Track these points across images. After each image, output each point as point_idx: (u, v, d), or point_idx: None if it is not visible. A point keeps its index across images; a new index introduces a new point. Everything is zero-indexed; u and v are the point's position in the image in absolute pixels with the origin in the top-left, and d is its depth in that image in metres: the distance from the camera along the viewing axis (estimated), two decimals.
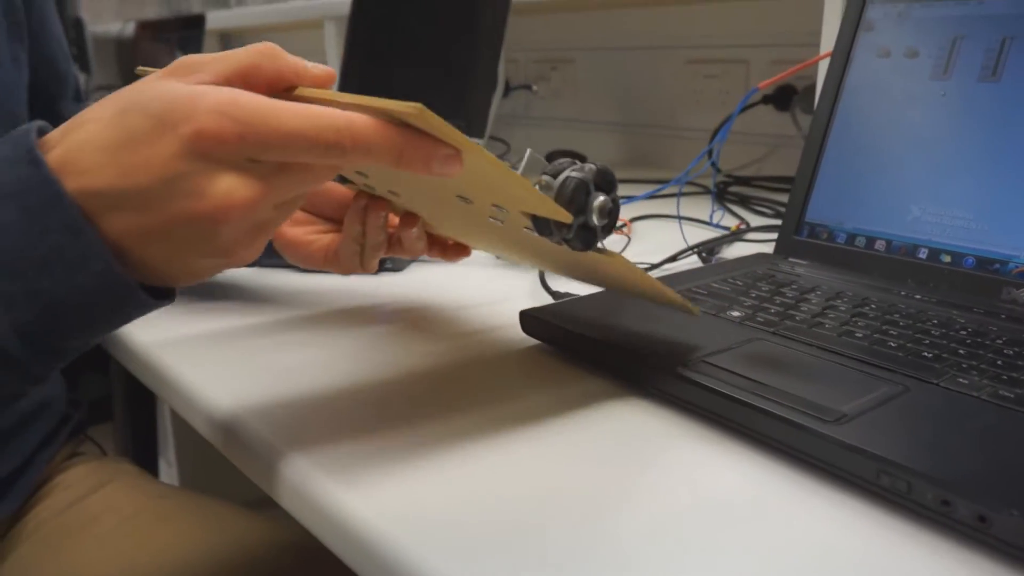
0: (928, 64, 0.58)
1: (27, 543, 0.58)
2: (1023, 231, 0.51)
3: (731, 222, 0.85)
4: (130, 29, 2.28)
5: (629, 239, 0.78)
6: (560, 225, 0.37)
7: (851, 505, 0.32)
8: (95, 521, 0.58)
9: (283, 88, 0.33)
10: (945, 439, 0.34)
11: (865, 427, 0.34)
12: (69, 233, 0.29)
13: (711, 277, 0.57)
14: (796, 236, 0.63)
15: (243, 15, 1.84)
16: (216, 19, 1.94)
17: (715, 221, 0.83)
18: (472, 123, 0.95)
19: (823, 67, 0.81)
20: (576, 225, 0.37)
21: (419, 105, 0.28)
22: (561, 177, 0.37)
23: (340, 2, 1.51)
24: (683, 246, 0.72)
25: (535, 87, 1.46)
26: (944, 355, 0.41)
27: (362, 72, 1.20)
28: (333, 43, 1.50)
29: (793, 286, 0.54)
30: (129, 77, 2.46)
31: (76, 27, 2.37)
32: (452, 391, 0.44)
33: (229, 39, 2.22)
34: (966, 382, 0.38)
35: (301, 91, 0.33)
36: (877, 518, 0.31)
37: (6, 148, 0.30)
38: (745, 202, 0.96)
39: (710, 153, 0.85)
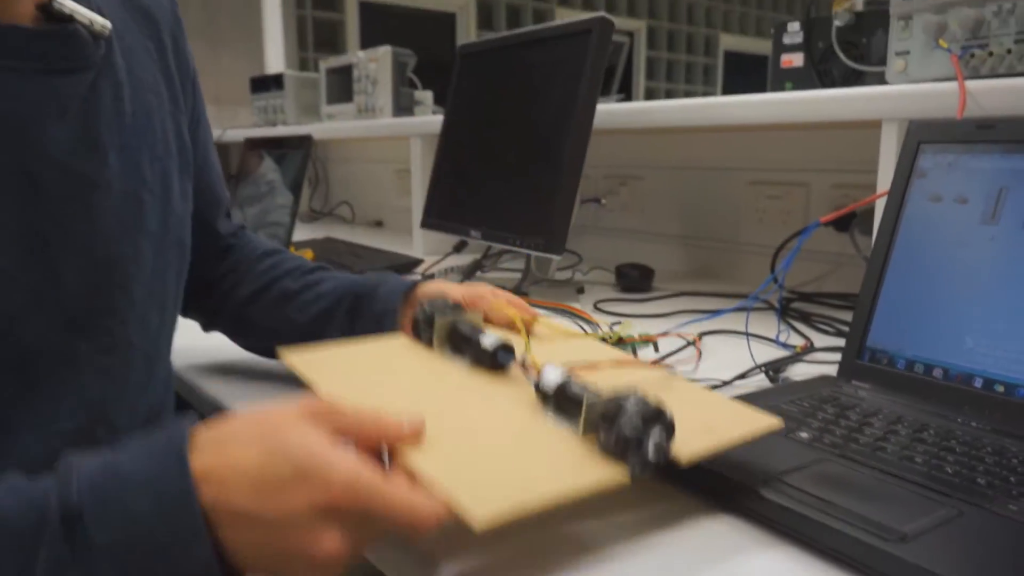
0: (977, 210, 0.65)
1: None
2: None
3: (795, 338, 0.90)
4: (227, 136, 2.49)
5: (700, 353, 0.84)
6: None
7: None
8: None
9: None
10: (993, 560, 0.39)
11: (923, 547, 0.39)
12: (190, 531, 0.38)
13: (780, 398, 0.62)
14: (858, 360, 0.69)
15: (334, 128, 2.01)
16: (307, 131, 2.11)
17: (781, 340, 0.89)
18: (551, 241, 1.03)
19: (881, 201, 0.88)
20: (637, 468, 0.42)
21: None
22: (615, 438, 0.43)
23: (427, 121, 1.65)
24: (749, 362, 0.78)
25: (604, 200, 1.55)
26: (996, 482, 0.46)
27: (450, 186, 1.32)
28: (418, 157, 1.63)
29: (856, 409, 0.60)
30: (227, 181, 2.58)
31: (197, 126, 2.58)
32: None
33: (317, 148, 2.40)
34: (1015, 508, 0.43)
35: (402, 459, 0.42)
36: None
37: (161, 441, 0.40)
38: (807, 319, 1.02)
39: (776, 279, 0.91)
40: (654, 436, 0.42)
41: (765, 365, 0.76)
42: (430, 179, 1.36)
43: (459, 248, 1.31)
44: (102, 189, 0.55)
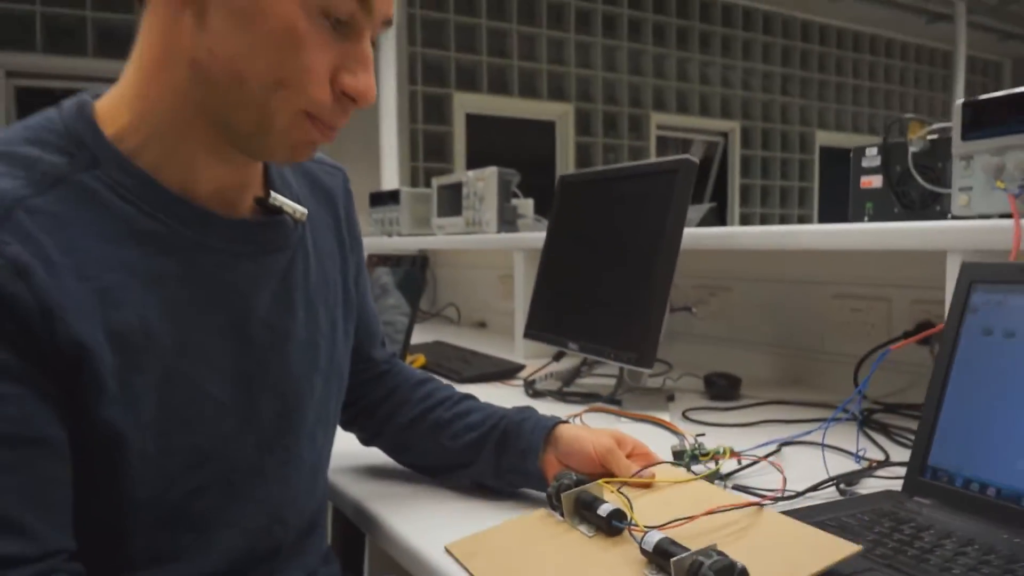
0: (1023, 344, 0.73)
1: None
2: None
3: (873, 451, 0.97)
4: None
5: (785, 479, 0.89)
6: None
7: None
8: None
9: None
10: None
11: None
12: None
13: (843, 511, 0.71)
14: (920, 477, 0.76)
15: (445, 241, 2.20)
16: (419, 242, 2.32)
17: (858, 453, 0.96)
18: (642, 356, 1.15)
19: None
20: None
21: None
22: None
23: (529, 236, 1.81)
24: (824, 474, 0.86)
25: (695, 309, 1.66)
26: None
27: (550, 301, 1.46)
28: (521, 268, 1.79)
29: (911, 524, 0.67)
30: None
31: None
32: None
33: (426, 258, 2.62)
34: None
35: None
36: None
37: None
38: (886, 430, 1.08)
39: (860, 394, 0.99)
40: None
41: (837, 478, 0.84)
42: (532, 293, 1.51)
43: (558, 357, 1.44)
44: (291, 338, 0.71)
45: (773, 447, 0.99)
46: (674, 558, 0.57)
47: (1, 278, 0.52)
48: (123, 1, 3.76)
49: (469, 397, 0.91)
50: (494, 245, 1.97)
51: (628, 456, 0.80)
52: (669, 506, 0.70)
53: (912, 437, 1.05)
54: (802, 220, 6.37)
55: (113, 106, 0.63)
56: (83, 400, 0.57)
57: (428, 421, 0.88)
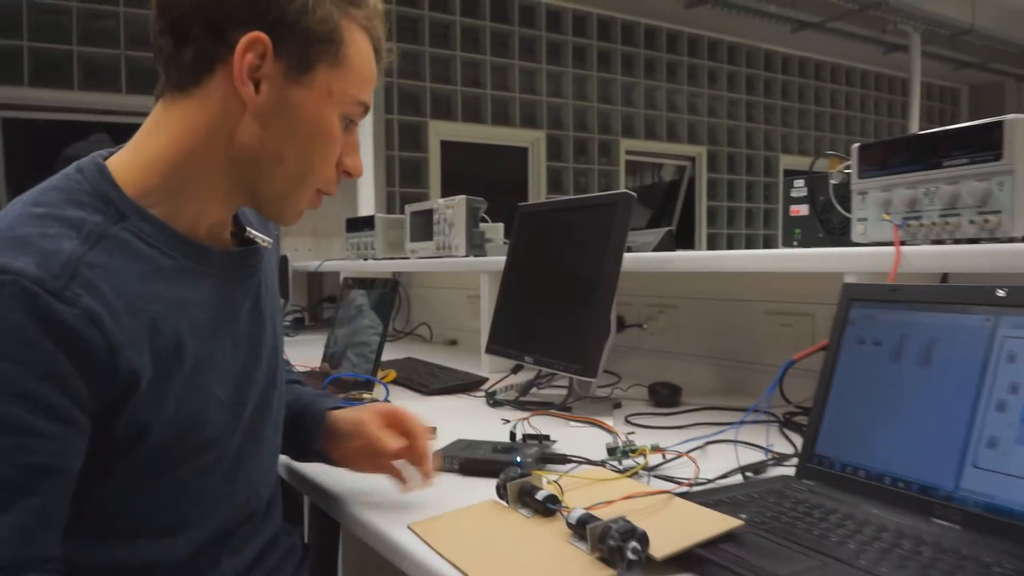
0: (887, 351, 0.88)
1: None
2: (944, 469, 0.78)
3: (784, 446, 1.11)
4: (324, 267, 2.86)
5: (698, 469, 1.04)
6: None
7: None
8: None
9: None
10: None
11: None
12: None
13: (739, 491, 0.85)
14: (809, 464, 0.91)
15: (416, 264, 2.34)
16: (393, 265, 2.45)
17: (768, 447, 1.10)
18: (587, 367, 1.29)
19: None
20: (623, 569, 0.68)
21: None
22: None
23: (494, 260, 1.95)
24: (736, 465, 1.00)
25: (645, 325, 1.80)
26: (864, 548, 0.68)
27: (509, 319, 1.59)
28: (487, 290, 1.92)
29: (791, 499, 0.82)
30: (316, 306, 3.02)
31: (282, 264, 2.99)
32: None
33: (401, 276, 2.75)
34: (864, 563, 0.65)
35: None
36: None
37: None
38: (801, 430, 1.23)
39: (783, 397, 1.13)
40: (631, 545, 0.67)
41: (743, 468, 0.98)
42: (493, 312, 1.65)
43: (516, 370, 1.58)
44: (263, 345, 0.85)
45: (697, 443, 1.13)
46: (589, 525, 0.71)
47: (79, 326, 0.64)
48: (108, 37, 3.89)
49: (298, 382, 1.05)
50: (462, 268, 2.11)
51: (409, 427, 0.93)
52: (596, 495, 0.84)
53: None
54: (767, 240, 6.58)
55: (134, 168, 0.75)
56: (122, 406, 0.69)
57: None
